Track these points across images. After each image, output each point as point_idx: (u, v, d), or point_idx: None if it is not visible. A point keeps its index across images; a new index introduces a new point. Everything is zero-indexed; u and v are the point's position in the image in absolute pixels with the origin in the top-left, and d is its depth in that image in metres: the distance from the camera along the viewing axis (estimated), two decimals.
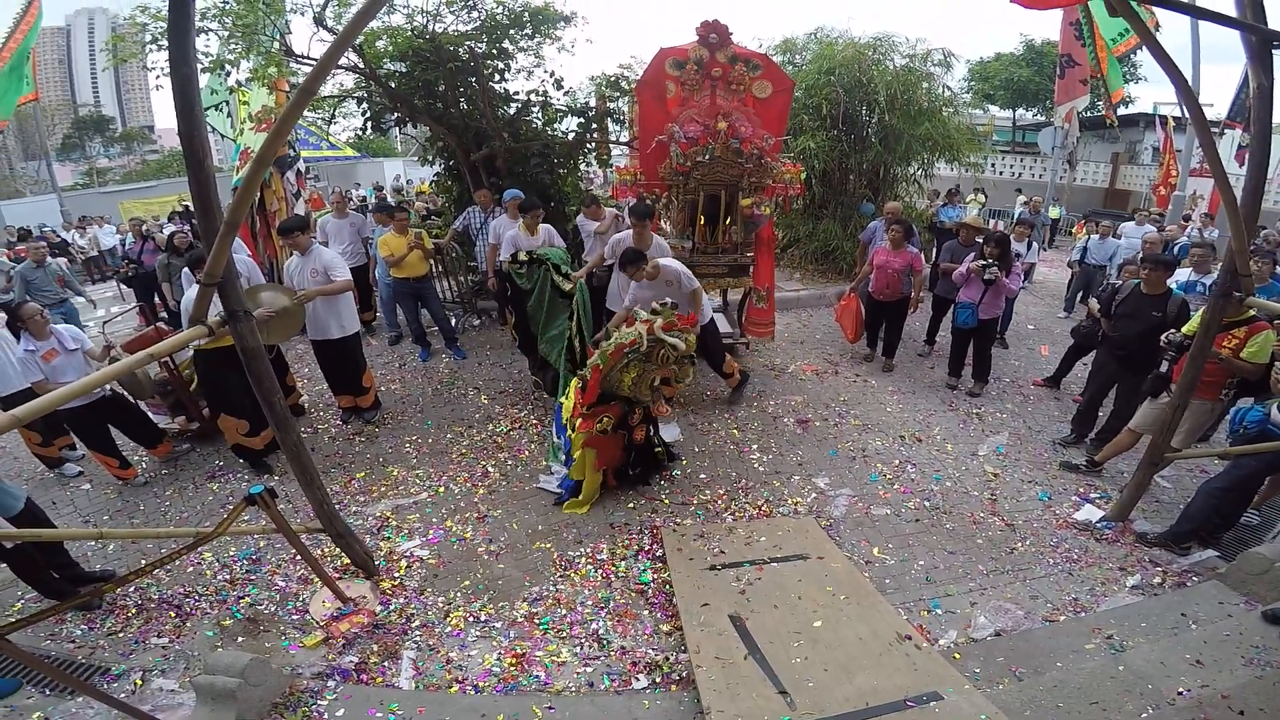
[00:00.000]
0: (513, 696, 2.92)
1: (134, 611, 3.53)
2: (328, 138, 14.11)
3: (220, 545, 3.94)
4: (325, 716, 2.76)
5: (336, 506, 3.69)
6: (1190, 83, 8.77)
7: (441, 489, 4.52)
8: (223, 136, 7.74)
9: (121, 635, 3.38)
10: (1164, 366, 4.12)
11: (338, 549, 3.64)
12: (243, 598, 3.61)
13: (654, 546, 3.87)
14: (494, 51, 7.01)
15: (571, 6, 7.38)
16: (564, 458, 4.39)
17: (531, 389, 5.83)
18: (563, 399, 4.42)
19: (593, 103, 7.85)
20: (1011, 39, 42.90)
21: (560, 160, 7.84)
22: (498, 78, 7.19)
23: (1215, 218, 10.35)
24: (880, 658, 2.88)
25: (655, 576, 3.63)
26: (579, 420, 4.08)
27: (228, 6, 5.89)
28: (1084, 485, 4.55)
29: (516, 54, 7.21)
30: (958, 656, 3.06)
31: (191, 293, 4.25)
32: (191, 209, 11.33)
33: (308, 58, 6.31)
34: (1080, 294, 7.96)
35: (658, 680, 3.00)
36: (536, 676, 3.02)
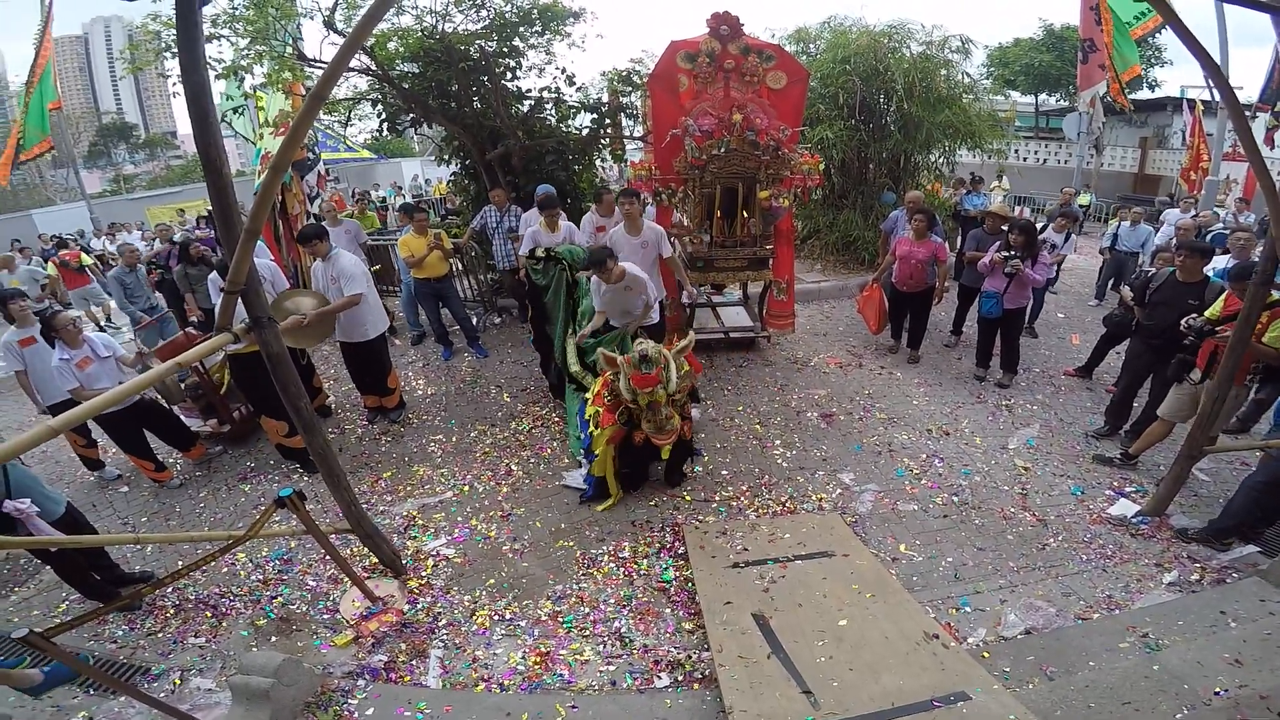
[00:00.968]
0: (537, 695, 2.94)
1: (172, 612, 3.63)
2: (345, 140, 14.27)
3: (253, 546, 4.03)
4: (355, 715, 2.80)
5: (364, 506, 3.75)
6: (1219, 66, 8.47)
7: (466, 488, 4.56)
8: (246, 139, 7.85)
9: (160, 635, 3.48)
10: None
11: (366, 548, 3.70)
12: (275, 597, 3.69)
13: (676, 544, 3.86)
14: (504, 49, 7.01)
15: (580, 3, 7.27)
16: (584, 454, 4.39)
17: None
18: (587, 395, 4.40)
19: (605, 98, 7.82)
20: (1030, 24, 41.93)
21: (575, 157, 7.83)
22: (509, 76, 7.18)
23: (1251, 202, 10.00)
24: (907, 657, 2.83)
25: (677, 574, 3.63)
26: (601, 412, 4.07)
27: (238, 12, 5.95)
28: (1119, 479, 4.43)
29: (527, 51, 7.20)
30: (987, 655, 3.02)
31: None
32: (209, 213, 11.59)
33: (319, 61, 6.36)
34: (1111, 281, 7.76)
35: (680, 679, 3.00)
36: (560, 675, 3.04)
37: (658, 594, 3.52)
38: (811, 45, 9.65)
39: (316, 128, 9.06)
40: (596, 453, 4.11)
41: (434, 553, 3.95)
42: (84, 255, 9.96)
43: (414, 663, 3.15)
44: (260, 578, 3.86)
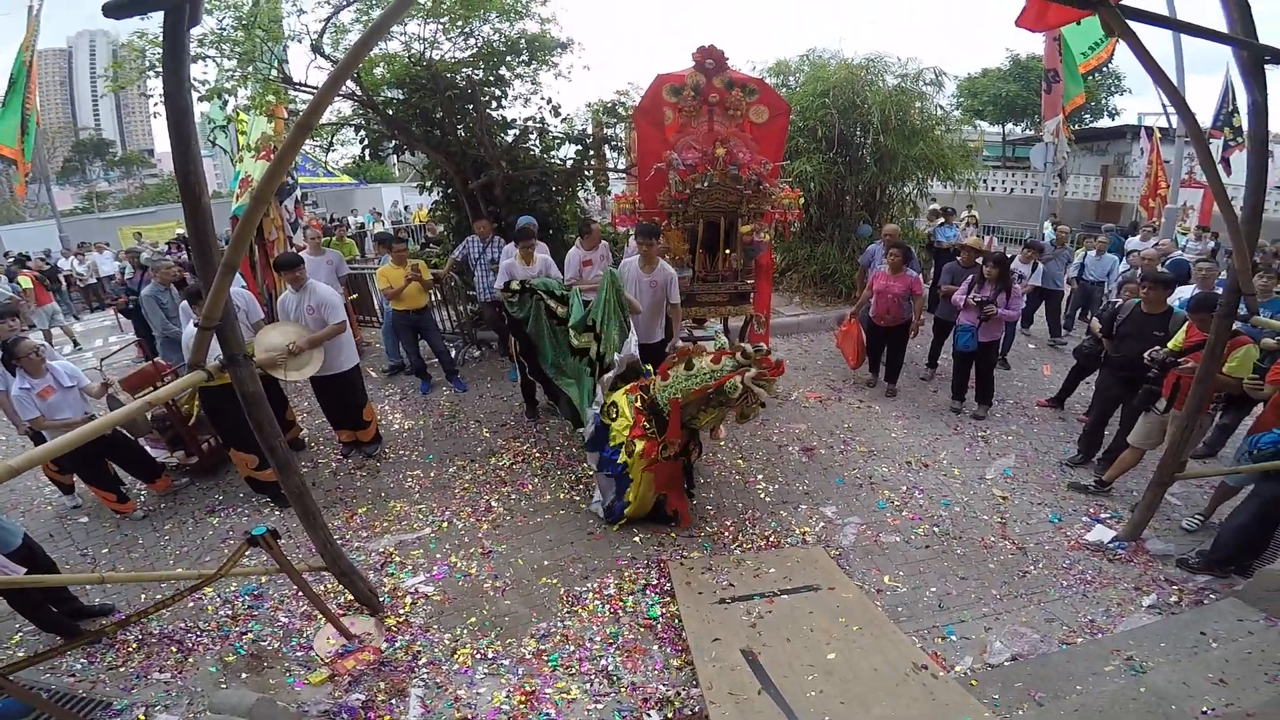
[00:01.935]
0: None
1: (135, 646, 3.47)
2: (324, 165, 14.20)
3: (222, 581, 3.84)
4: None
5: (339, 542, 3.64)
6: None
7: (445, 524, 4.46)
8: (227, 156, 7.76)
9: (122, 670, 3.33)
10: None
11: (341, 585, 3.59)
12: (246, 633, 3.55)
13: (661, 580, 3.81)
14: (491, 78, 7.04)
15: (568, 33, 7.38)
16: (614, 483, 4.23)
17: (528, 421, 5.78)
18: (608, 420, 4.19)
19: (590, 130, 7.89)
20: (998, 54, 43.75)
21: (558, 188, 7.84)
22: (495, 104, 7.22)
23: (1209, 229, 10.40)
24: (897, 688, 2.83)
25: (664, 611, 3.57)
26: (641, 443, 3.96)
27: (225, 33, 5.90)
28: (1094, 506, 4.52)
29: (513, 80, 7.23)
30: (975, 684, 3.02)
31: (191, 331, 4.23)
32: (184, 237, 11.42)
33: (305, 85, 6.34)
34: (1079, 310, 7.98)
35: (669, 716, 2.94)
36: (547, 714, 2.96)
37: (644, 631, 3.46)
38: (791, 78, 9.80)
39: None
40: (633, 477, 4.08)
41: (412, 590, 3.84)
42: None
43: (393, 702, 3.05)
44: (229, 613, 3.71)
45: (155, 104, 5.81)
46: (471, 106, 6.90)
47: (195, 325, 2.70)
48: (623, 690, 3.08)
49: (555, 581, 3.86)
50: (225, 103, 6.71)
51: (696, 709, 2.92)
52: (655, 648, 3.34)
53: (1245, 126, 3.57)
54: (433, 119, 7.00)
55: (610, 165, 8.00)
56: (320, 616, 3.41)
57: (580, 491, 4.75)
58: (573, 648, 3.35)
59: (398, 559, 4.13)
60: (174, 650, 3.43)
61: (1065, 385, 6.02)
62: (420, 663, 3.29)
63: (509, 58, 6.94)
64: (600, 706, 3.00)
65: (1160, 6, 8.30)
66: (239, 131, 7.19)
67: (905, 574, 3.88)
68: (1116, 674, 3.02)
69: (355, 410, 5.22)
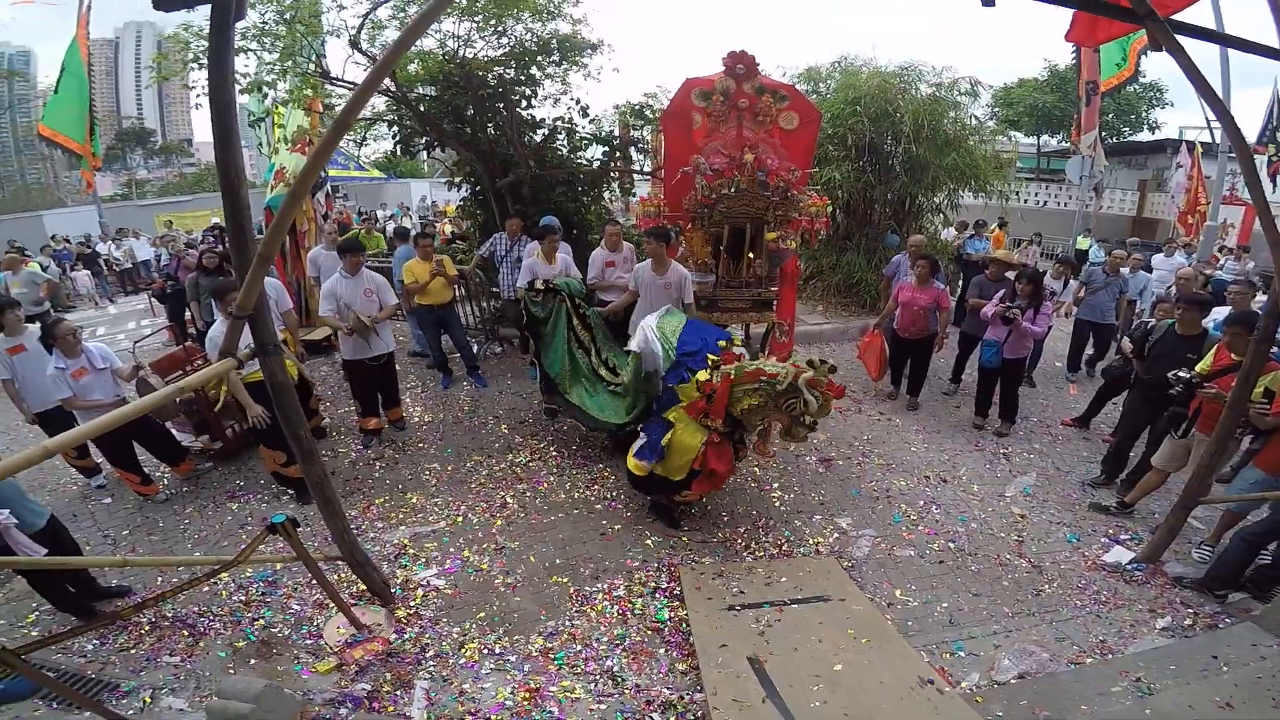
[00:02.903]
0: None
1: (147, 629, 3.55)
2: (356, 158, 14.44)
3: (238, 567, 3.95)
4: None
5: (355, 532, 3.71)
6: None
7: (460, 518, 4.51)
8: (260, 150, 7.95)
9: (134, 652, 3.40)
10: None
11: (355, 575, 3.65)
12: (257, 620, 3.62)
13: (672, 585, 3.81)
14: (522, 78, 7.12)
15: (598, 34, 7.43)
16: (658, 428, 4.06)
17: (548, 419, 5.81)
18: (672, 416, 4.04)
19: (616, 131, 7.92)
20: (1035, 64, 42.90)
21: (584, 189, 7.89)
22: (525, 104, 7.29)
23: (1250, 249, 10.08)
24: (901, 702, 2.81)
25: (672, 615, 3.58)
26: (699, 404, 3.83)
27: (267, 27, 6.05)
28: (1113, 527, 4.44)
29: (544, 80, 7.30)
30: (980, 700, 3.00)
31: (221, 325, 4.34)
32: (220, 225, 11.70)
33: (342, 80, 6.46)
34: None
35: None
36: (550, 712, 2.98)
37: (652, 634, 3.46)
38: (822, 85, 9.71)
39: None
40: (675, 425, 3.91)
41: (424, 583, 3.89)
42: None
43: (399, 693, 3.09)
44: (243, 598, 3.78)
45: (198, 96, 6.01)
46: (502, 105, 6.98)
47: (229, 314, 2.77)
48: (627, 692, 3.09)
49: (566, 580, 3.89)
50: (265, 95, 6.86)
51: (700, 714, 2.93)
52: (662, 651, 3.35)
53: None
54: (464, 116, 7.11)
55: (636, 167, 8.02)
56: (331, 605, 3.48)
57: (595, 492, 4.77)
58: (579, 647, 3.37)
59: (412, 551, 4.18)
60: (185, 634, 3.50)
61: (1092, 405, 5.89)
62: (428, 655, 3.34)
63: (540, 57, 7.02)
64: (604, 707, 3.01)
65: (1207, 17, 8.11)
66: (275, 124, 7.34)
67: (918, 588, 3.84)
68: (1123, 695, 2.98)
69: (394, 391, 5.59)
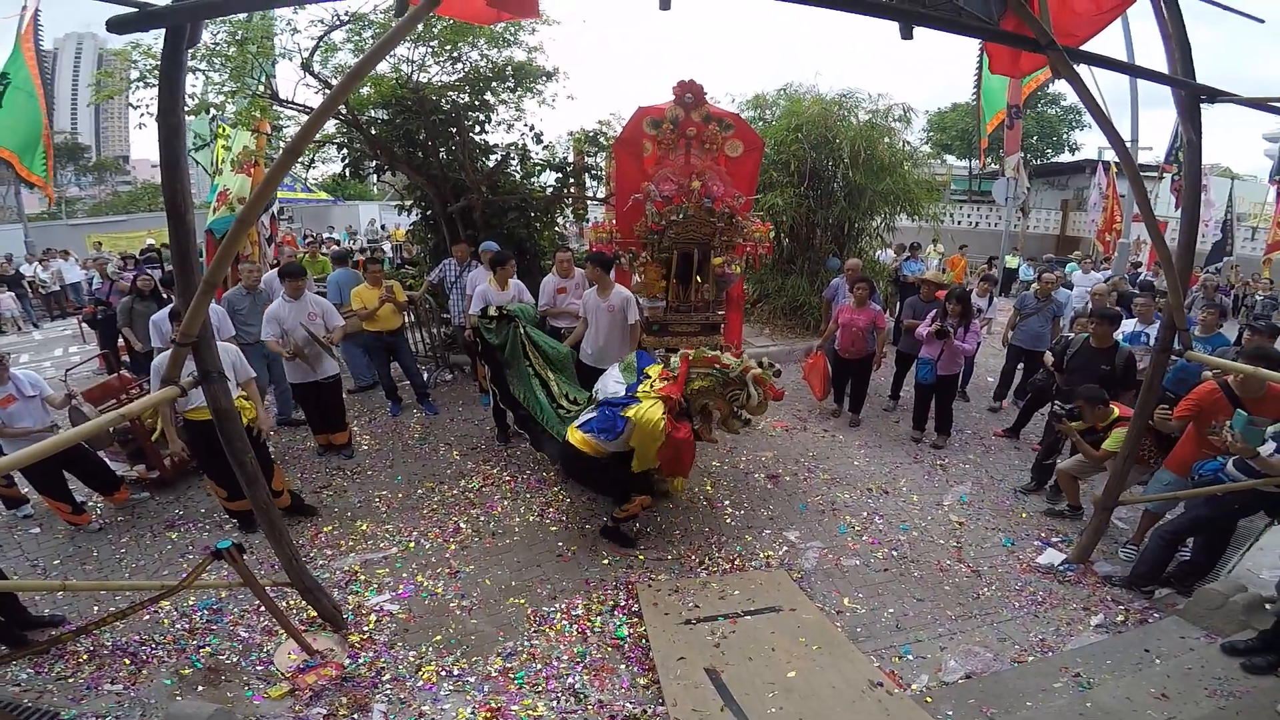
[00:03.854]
0: None
1: (85, 657, 3.38)
2: (304, 181, 14.16)
3: (180, 595, 3.78)
4: None
5: (303, 560, 3.63)
6: (1130, 131, 9.18)
7: (412, 544, 4.45)
8: (206, 172, 7.73)
9: (72, 680, 3.24)
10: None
11: (305, 601, 3.57)
12: (203, 647, 3.49)
13: (630, 602, 3.86)
14: (476, 103, 7.17)
15: (554, 62, 7.59)
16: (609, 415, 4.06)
17: (499, 445, 5.80)
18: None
19: (570, 158, 8.05)
20: (966, 90, 45.46)
21: (537, 214, 7.95)
22: (478, 129, 7.34)
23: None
24: (854, 705, 2.92)
25: (631, 631, 3.62)
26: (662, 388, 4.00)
27: (218, 48, 5.96)
28: (1045, 530, 4.72)
29: (498, 106, 7.38)
30: (930, 700, 3.13)
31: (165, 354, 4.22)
32: (156, 248, 11.25)
33: (293, 103, 6.40)
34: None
35: None
36: None
37: (612, 650, 3.50)
38: (767, 112, 10.07)
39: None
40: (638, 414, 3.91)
41: (377, 608, 3.82)
42: None
43: (355, 716, 3.03)
44: (186, 626, 3.65)
45: (142, 115, 5.86)
46: (455, 130, 7.02)
47: (172, 342, 2.73)
48: (590, 708, 3.11)
49: (523, 602, 3.88)
50: (213, 117, 6.73)
51: None
52: (622, 667, 3.38)
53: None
54: (416, 140, 7.10)
55: (590, 194, 8.15)
56: (281, 632, 3.39)
57: (550, 515, 4.79)
58: (540, 666, 3.37)
59: (363, 577, 4.10)
60: (127, 662, 3.36)
61: (1020, 417, 6.27)
62: (384, 679, 3.28)
63: (495, 84, 7.09)
64: None
65: (1118, 44, 8.75)
66: (222, 146, 7.18)
67: (865, 596, 3.99)
68: (1065, 690, 3.15)
69: (340, 413, 5.59)
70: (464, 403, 6.75)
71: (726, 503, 4.99)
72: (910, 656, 3.49)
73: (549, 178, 8.03)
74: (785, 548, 4.46)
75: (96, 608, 3.77)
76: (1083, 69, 3.02)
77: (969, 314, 5.72)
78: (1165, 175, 12.48)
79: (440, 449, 5.82)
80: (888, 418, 6.73)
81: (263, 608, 3.60)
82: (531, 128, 7.64)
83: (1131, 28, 8.55)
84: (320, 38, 6.14)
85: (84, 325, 9.81)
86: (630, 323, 5.25)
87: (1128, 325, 5.57)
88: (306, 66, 6.16)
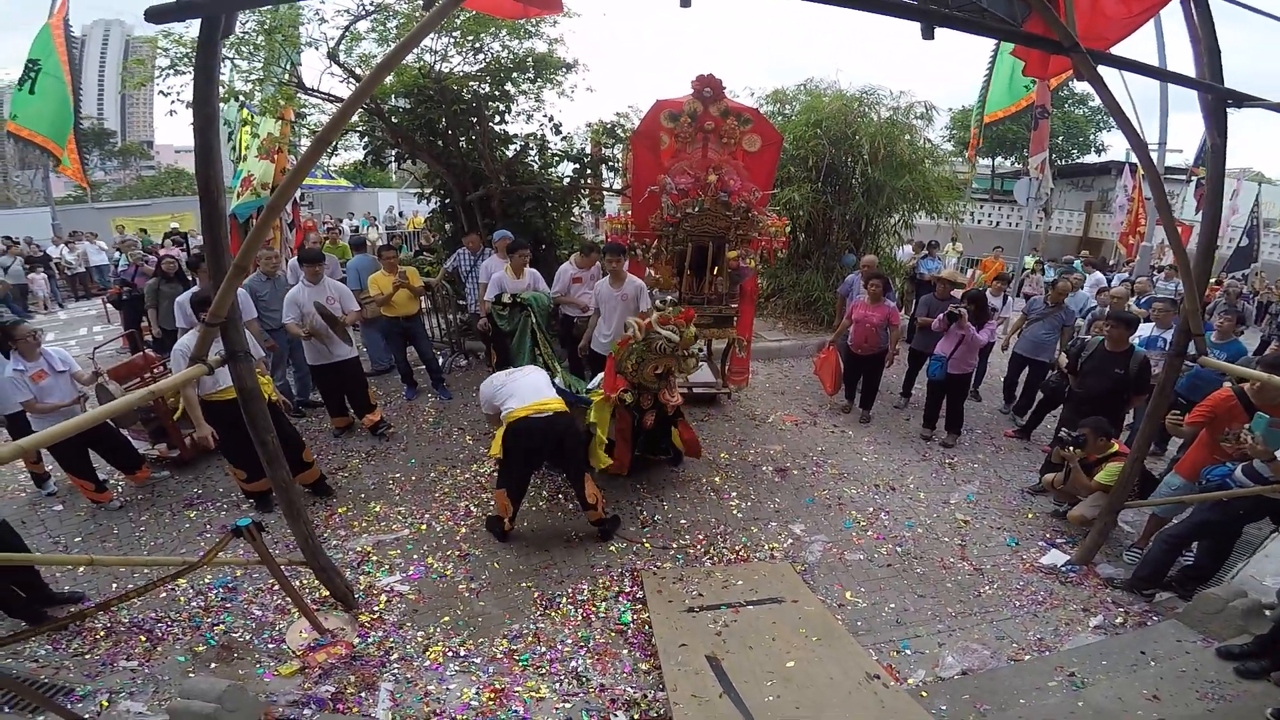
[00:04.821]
0: None
1: (102, 634, 3.51)
2: (325, 168, 14.33)
3: (196, 573, 3.92)
4: None
5: (318, 540, 3.73)
6: (1159, 133, 9.09)
7: (424, 526, 4.55)
8: (228, 159, 7.88)
9: (88, 657, 3.36)
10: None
11: (316, 581, 3.67)
12: (217, 625, 3.61)
13: (634, 589, 3.93)
14: (496, 93, 7.22)
15: (574, 54, 7.61)
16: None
17: None
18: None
19: (588, 149, 8.08)
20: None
21: (554, 205, 8.00)
22: (498, 119, 7.39)
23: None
24: (850, 696, 2.97)
25: (635, 617, 3.69)
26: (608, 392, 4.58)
27: (246, 37, 6.06)
28: (1051, 531, 4.72)
29: (518, 97, 7.41)
30: (925, 695, 3.18)
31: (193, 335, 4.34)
32: (181, 232, 11.45)
33: (318, 91, 6.49)
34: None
35: (635, 717, 3.05)
36: (515, 711, 3.05)
37: (615, 635, 3.57)
38: (787, 107, 10.00)
39: (295, 153, 9.14)
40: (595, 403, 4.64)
41: (388, 588, 3.92)
42: None
43: (363, 694, 3.13)
44: (201, 604, 3.77)
45: (173, 102, 5.99)
46: (475, 120, 7.07)
47: (201, 321, 2.82)
48: (591, 691, 3.19)
49: (530, 585, 3.97)
50: (241, 105, 6.85)
51: (662, 711, 3.04)
52: (625, 652, 3.46)
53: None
54: (436, 129, 7.17)
55: (606, 185, 8.18)
56: (293, 610, 3.50)
57: (559, 501, 4.86)
58: (544, 648, 3.46)
59: (375, 558, 4.21)
60: (143, 639, 3.48)
61: (1032, 418, 6.25)
62: (392, 658, 3.38)
63: (515, 74, 7.11)
64: (568, 706, 3.10)
65: (1150, 46, 8.57)
66: (251, 133, 7.31)
67: (866, 590, 4.03)
68: (1059, 689, 3.19)
69: (364, 393, 5.72)
70: (477, 388, 6.82)
71: (734, 494, 5.04)
72: (909, 651, 3.54)
73: (566, 168, 8.06)
74: (790, 540, 4.51)
75: (115, 585, 3.90)
76: (1112, 71, 3.01)
77: (984, 314, 5.70)
78: (1193, 179, 12.19)
79: (454, 433, 5.92)
80: (898, 415, 6.73)
81: (276, 586, 3.74)
82: (550, 118, 7.68)
83: (1165, 29, 8.44)
84: (346, 27, 6.22)
85: (107, 306, 10.03)
86: (642, 311, 5.29)
87: (1145, 330, 5.52)
88: (333, 56, 6.24)
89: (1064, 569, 4.23)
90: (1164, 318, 5.51)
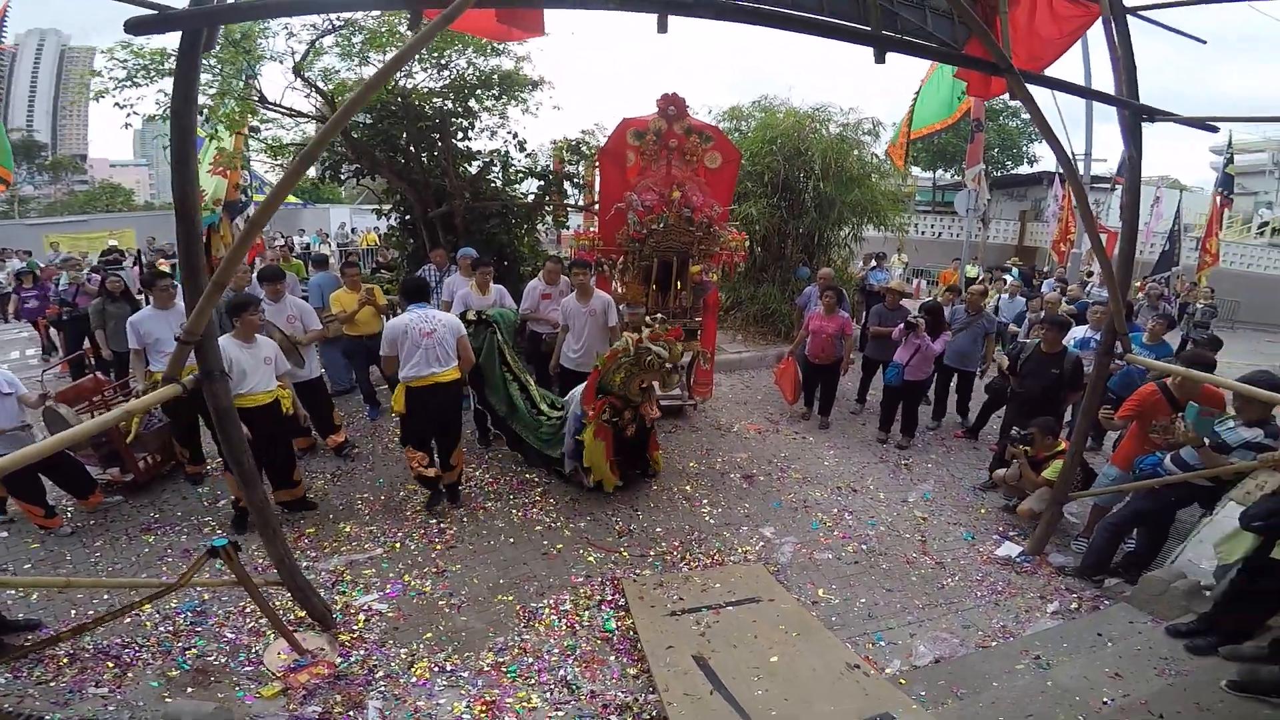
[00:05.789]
0: None
1: (66, 661, 3.35)
2: (272, 185, 13.95)
3: (162, 598, 3.79)
4: None
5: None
6: (1085, 144, 9.84)
7: (397, 545, 4.49)
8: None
9: (54, 684, 3.21)
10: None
11: (291, 602, 3.60)
12: (189, 649, 3.49)
13: (616, 596, 3.99)
14: (460, 110, 7.23)
15: (539, 72, 7.68)
16: (572, 443, 4.96)
17: (480, 447, 5.88)
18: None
19: (552, 165, 8.16)
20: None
21: (518, 221, 8.01)
22: (462, 135, 7.39)
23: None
24: (834, 685, 3.11)
25: (619, 624, 3.75)
26: (589, 410, 4.73)
27: (215, 53, 5.92)
28: (1003, 524, 5.02)
29: (482, 113, 7.44)
30: (904, 683, 3.33)
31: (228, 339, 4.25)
32: (120, 250, 10.95)
33: (279, 105, 6.39)
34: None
35: None
36: None
37: (601, 643, 3.62)
38: (743, 124, 10.33)
39: (248, 169, 8.92)
40: (585, 442, 4.81)
41: (365, 607, 3.86)
42: None
43: (351, 713, 3.08)
44: (170, 629, 3.63)
45: (128, 115, 5.79)
46: (438, 136, 7.06)
47: (176, 339, 2.77)
48: (583, 698, 3.22)
49: (511, 599, 3.97)
50: (207, 119, 6.67)
51: (655, 713, 3.10)
52: (612, 658, 3.51)
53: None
54: (397, 145, 7.12)
55: (570, 202, 8.26)
56: (268, 632, 3.42)
57: (534, 514, 4.89)
58: (531, 659, 3.47)
59: (349, 578, 4.14)
60: (110, 665, 3.34)
61: (978, 418, 6.62)
62: (377, 676, 3.34)
63: (480, 91, 7.14)
64: (561, 714, 3.13)
65: (1077, 65, 9.34)
66: (216, 147, 7.11)
67: (837, 587, 4.21)
68: (1026, 671, 3.39)
69: (327, 413, 5.58)
70: None
71: (705, 502, 5.17)
72: (883, 643, 3.71)
73: (530, 185, 8.11)
74: (761, 543, 4.66)
75: (73, 613, 3.73)
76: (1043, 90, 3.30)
77: (940, 324, 6.04)
78: (1117, 187, 13.13)
79: None
80: (855, 420, 7.02)
81: (248, 608, 3.66)
82: (515, 135, 7.72)
83: (1090, 51, 9.24)
84: (313, 41, 6.16)
85: (43, 329, 9.47)
86: (610, 325, 5.41)
87: (1079, 331, 5.93)
88: (298, 71, 6.15)
89: (1019, 559, 4.51)
90: (1098, 320, 5.94)
